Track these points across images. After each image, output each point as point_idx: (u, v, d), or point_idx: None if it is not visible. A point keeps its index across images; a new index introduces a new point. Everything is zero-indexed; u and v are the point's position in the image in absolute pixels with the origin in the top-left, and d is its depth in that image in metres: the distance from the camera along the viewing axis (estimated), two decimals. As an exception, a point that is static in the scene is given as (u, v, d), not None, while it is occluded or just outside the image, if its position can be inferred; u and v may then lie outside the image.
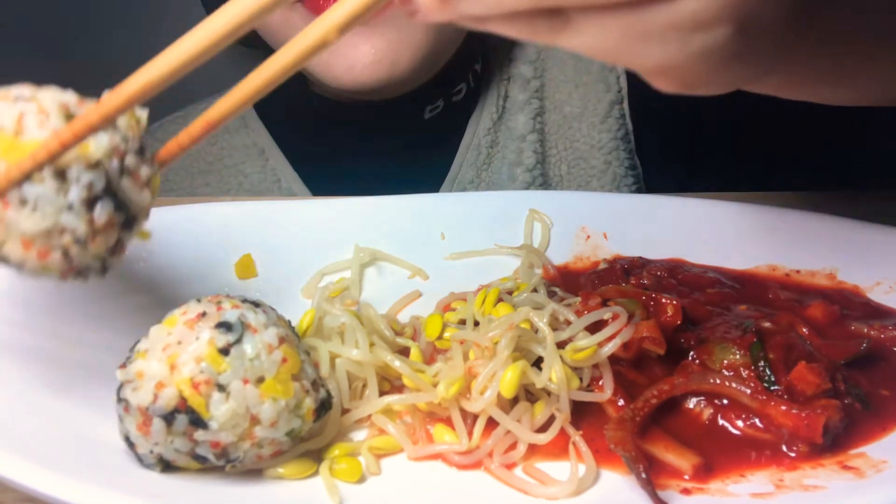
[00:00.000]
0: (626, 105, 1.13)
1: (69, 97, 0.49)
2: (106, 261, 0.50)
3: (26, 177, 0.45)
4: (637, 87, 1.13)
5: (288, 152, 1.16)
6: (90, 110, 0.44)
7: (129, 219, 0.50)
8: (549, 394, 0.63)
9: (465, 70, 1.09)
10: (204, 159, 1.18)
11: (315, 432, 0.61)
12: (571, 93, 1.14)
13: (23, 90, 0.49)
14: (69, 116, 0.48)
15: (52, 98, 0.48)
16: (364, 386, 0.65)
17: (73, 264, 0.49)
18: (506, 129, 1.14)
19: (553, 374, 0.62)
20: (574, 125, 1.14)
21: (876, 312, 0.74)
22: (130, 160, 0.49)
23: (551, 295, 0.74)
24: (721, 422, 0.63)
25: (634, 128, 1.14)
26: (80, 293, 0.73)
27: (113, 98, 0.44)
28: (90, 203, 0.47)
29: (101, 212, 0.48)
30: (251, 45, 1.37)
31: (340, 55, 0.96)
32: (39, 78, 0.51)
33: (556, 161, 1.15)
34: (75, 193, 0.47)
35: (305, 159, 1.16)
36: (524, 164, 1.13)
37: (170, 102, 1.23)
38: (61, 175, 0.47)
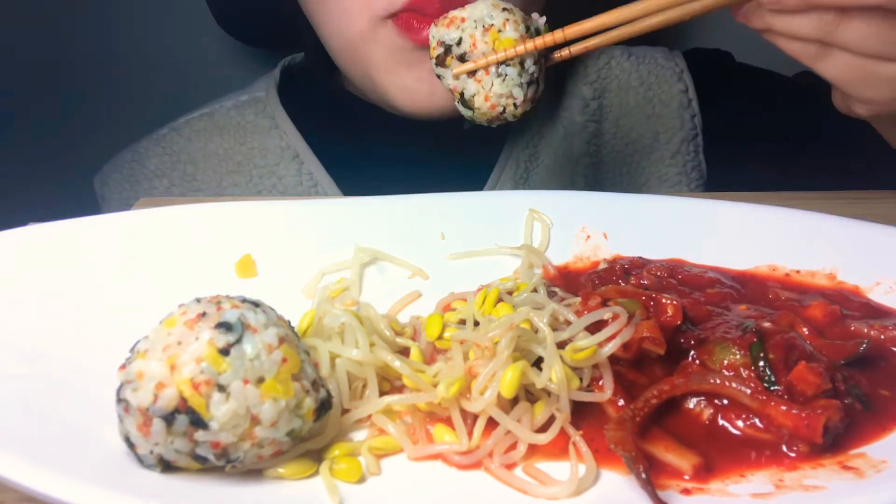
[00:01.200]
0: (699, 141, 1.13)
1: (540, 20, 0.78)
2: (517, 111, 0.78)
3: (507, 59, 0.75)
4: (713, 127, 1.13)
5: (322, 157, 1.14)
6: (548, 36, 0.75)
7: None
8: (549, 394, 0.63)
9: None
10: (232, 159, 1.14)
11: (315, 432, 0.61)
12: (643, 122, 1.14)
13: (506, 4, 0.77)
14: (528, 27, 0.76)
15: (520, 13, 0.77)
16: (364, 386, 0.65)
17: (503, 117, 0.78)
18: (563, 149, 1.13)
19: (553, 375, 0.62)
20: (640, 153, 1.14)
21: (876, 312, 0.74)
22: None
23: (551, 295, 0.74)
24: (721, 422, 0.63)
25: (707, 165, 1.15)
26: (79, 294, 0.73)
27: (572, 29, 0.75)
28: (529, 85, 0.77)
29: (536, 90, 0.78)
30: (254, 45, 1.37)
31: (407, 89, 0.97)
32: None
33: (609, 184, 1.15)
34: (525, 78, 0.76)
35: (340, 165, 1.13)
36: (575, 186, 1.13)
37: (194, 100, 1.23)
38: (521, 65, 0.76)
